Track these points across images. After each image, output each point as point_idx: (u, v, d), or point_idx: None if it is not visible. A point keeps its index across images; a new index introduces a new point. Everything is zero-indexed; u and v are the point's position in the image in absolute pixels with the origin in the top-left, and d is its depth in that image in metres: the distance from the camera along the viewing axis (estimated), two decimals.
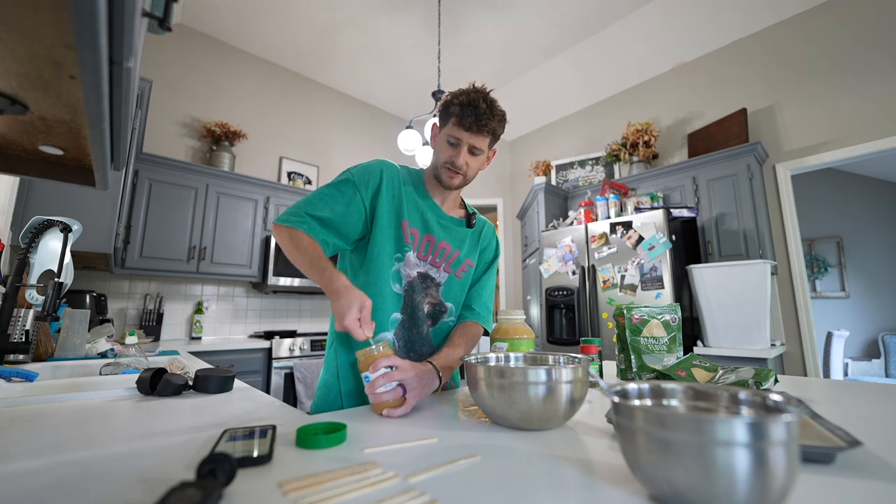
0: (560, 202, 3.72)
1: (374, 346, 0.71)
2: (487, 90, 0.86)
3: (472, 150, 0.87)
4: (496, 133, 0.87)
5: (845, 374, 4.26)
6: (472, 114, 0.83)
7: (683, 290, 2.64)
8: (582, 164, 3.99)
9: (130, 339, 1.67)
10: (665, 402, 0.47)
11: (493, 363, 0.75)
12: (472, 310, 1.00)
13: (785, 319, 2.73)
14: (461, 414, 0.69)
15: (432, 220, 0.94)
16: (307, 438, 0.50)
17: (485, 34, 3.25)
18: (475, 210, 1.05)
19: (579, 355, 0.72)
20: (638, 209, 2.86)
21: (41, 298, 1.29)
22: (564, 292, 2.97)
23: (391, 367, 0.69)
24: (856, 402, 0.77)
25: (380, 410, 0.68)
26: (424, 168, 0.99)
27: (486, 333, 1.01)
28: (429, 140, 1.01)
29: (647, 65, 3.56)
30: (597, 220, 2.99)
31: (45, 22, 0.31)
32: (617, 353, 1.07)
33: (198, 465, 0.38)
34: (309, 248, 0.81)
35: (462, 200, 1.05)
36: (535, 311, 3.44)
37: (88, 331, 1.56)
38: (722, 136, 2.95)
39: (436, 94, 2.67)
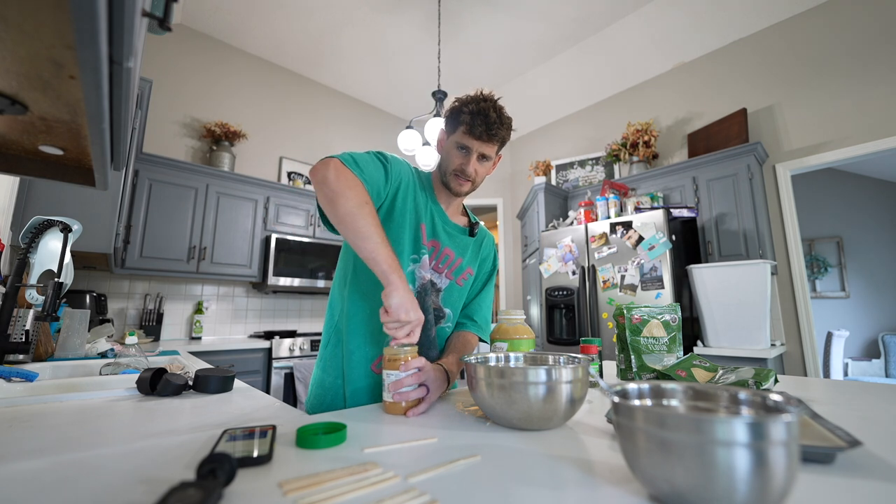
0: (560, 202, 3.72)
1: (404, 347, 0.72)
2: (495, 98, 0.87)
3: (482, 158, 0.89)
4: (504, 141, 0.90)
5: (845, 374, 4.26)
6: (482, 123, 0.84)
7: (683, 290, 2.64)
8: (582, 164, 3.99)
9: (130, 339, 1.67)
10: (665, 402, 0.47)
11: (493, 363, 0.75)
12: (475, 322, 1.01)
13: (785, 319, 2.73)
14: (461, 414, 0.69)
15: (439, 225, 0.95)
16: (307, 438, 0.50)
17: (485, 34, 3.25)
18: (477, 220, 1.07)
19: (579, 355, 0.72)
20: (638, 209, 2.86)
21: (41, 298, 1.29)
22: (564, 292, 2.97)
23: (419, 369, 0.71)
24: (856, 402, 0.77)
25: (401, 411, 0.68)
26: (432, 172, 1.00)
27: (482, 341, 1.03)
28: (436, 144, 1.00)
29: (647, 65, 3.56)
30: (597, 220, 2.99)
31: (45, 22, 0.31)
32: (617, 353, 1.06)
33: (198, 465, 0.38)
34: (374, 215, 0.76)
35: (464, 208, 1.06)
36: (535, 311, 3.44)
37: (88, 331, 1.56)
38: (722, 136, 2.95)
39: (436, 94, 2.67)
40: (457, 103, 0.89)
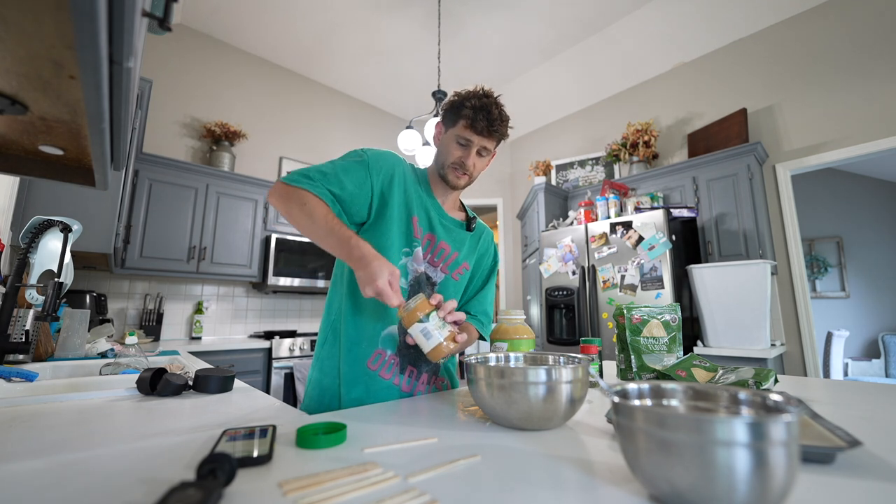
0: (560, 202, 3.72)
1: (410, 301, 0.75)
2: (495, 95, 0.89)
3: (481, 152, 0.91)
4: (503, 137, 0.91)
5: (845, 374, 4.26)
6: (485, 118, 0.86)
7: (683, 290, 2.64)
8: (582, 164, 3.99)
9: (130, 339, 1.67)
10: (665, 402, 0.47)
11: (493, 363, 0.75)
12: (474, 316, 1.02)
13: (785, 319, 2.73)
14: (461, 414, 0.69)
15: (435, 219, 0.95)
16: (307, 438, 0.50)
17: (485, 34, 3.25)
18: (475, 214, 1.07)
19: (579, 355, 0.72)
20: (638, 209, 2.86)
21: (41, 298, 1.29)
22: (564, 292, 2.97)
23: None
24: (856, 402, 0.77)
25: (445, 353, 0.75)
26: (427, 167, 1.01)
27: (481, 338, 1.03)
28: (432, 138, 1.03)
29: (647, 65, 3.56)
30: (597, 220, 2.99)
31: (45, 22, 0.31)
32: (617, 353, 1.07)
33: (198, 465, 0.38)
34: (327, 216, 0.80)
35: (461, 203, 1.07)
36: (535, 311, 3.44)
37: (88, 331, 1.56)
38: (722, 136, 2.95)
39: (436, 94, 2.67)
40: (456, 98, 0.90)
